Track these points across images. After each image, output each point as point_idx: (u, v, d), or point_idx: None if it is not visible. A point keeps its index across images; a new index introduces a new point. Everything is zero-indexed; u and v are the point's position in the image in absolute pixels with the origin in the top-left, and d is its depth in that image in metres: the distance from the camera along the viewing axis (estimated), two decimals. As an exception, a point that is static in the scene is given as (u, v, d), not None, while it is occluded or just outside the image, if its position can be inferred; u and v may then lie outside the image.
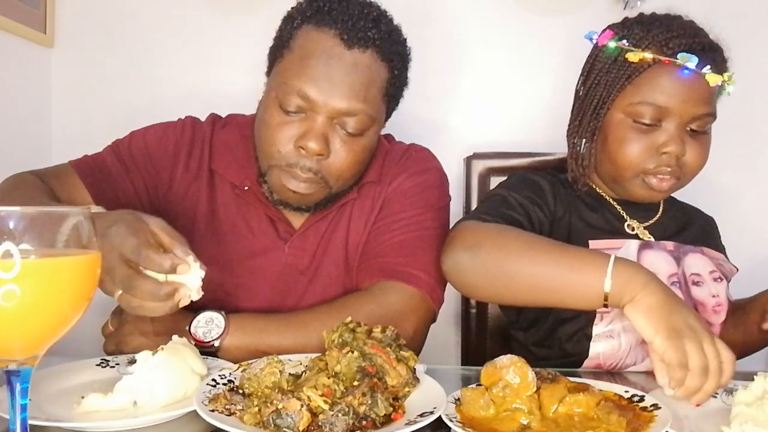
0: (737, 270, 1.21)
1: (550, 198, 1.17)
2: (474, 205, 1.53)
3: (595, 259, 0.92)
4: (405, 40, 1.12)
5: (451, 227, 1.10)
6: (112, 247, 0.81)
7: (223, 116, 1.25)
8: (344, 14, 1.03)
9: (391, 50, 1.07)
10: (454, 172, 1.52)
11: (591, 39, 1.14)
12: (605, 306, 0.91)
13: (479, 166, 1.54)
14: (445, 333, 1.65)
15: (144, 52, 1.71)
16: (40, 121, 1.69)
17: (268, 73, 1.13)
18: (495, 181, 1.52)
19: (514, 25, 1.69)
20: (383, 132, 1.27)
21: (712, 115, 1.08)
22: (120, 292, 0.81)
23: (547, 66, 1.68)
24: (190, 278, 0.84)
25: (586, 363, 1.09)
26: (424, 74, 1.67)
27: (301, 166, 1.04)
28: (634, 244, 1.12)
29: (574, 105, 1.20)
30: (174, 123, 1.22)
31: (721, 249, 1.24)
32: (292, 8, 1.11)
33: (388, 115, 1.16)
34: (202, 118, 1.24)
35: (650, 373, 1.05)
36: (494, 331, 1.52)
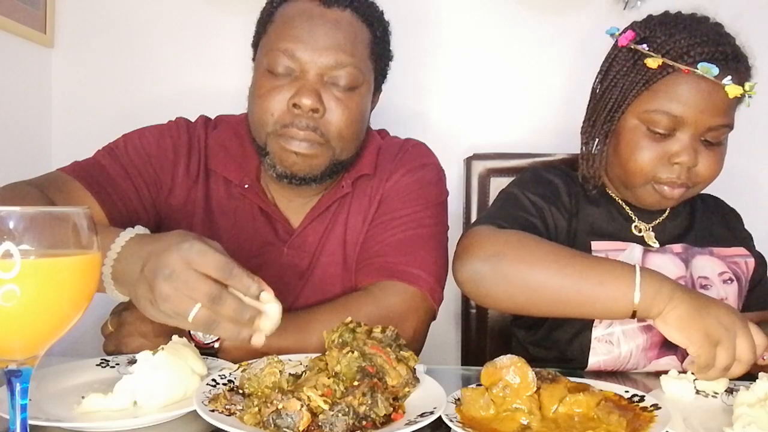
0: (761, 260, 1.19)
1: (565, 196, 1.15)
2: (474, 206, 1.53)
3: (622, 272, 0.92)
4: (382, 12, 1.15)
5: (464, 232, 1.07)
6: (189, 264, 0.74)
7: (212, 117, 1.25)
8: None
9: (369, 13, 1.11)
10: (454, 173, 1.52)
11: (612, 35, 1.12)
12: (632, 317, 0.92)
13: (479, 167, 1.54)
14: (445, 333, 1.65)
15: (144, 52, 1.71)
16: (40, 121, 1.69)
17: (254, 57, 1.15)
18: (495, 182, 1.52)
19: (514, 24, 1.69)
20: (378, 128, 1.27)
21: (729, 126, 1.06)
22: (198, 306, 0.73)
23: (546, 66, 1.68)
24: (272, 309, 0.78)
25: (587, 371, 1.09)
26: (423, 74, 1.68)
27: (297, 125, 1.05)
28: (638, 248, 1.10)
29: (589, 103, 1.17)
30: (168, 125, 1.20)
31: (741, 241, 1.21)
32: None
33: (377, 86, 1.17)
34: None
35: (651, 374, 1.05)
36: (494, 331, 1.52)
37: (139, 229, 0.87)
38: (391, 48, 1.19)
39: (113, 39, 1.71)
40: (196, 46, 1.70)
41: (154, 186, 1.14)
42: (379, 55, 1.14)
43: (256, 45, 1.16)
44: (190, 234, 0.79)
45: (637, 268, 0.91)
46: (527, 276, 0.95)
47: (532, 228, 1.07)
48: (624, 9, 1.62)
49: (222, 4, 1.69)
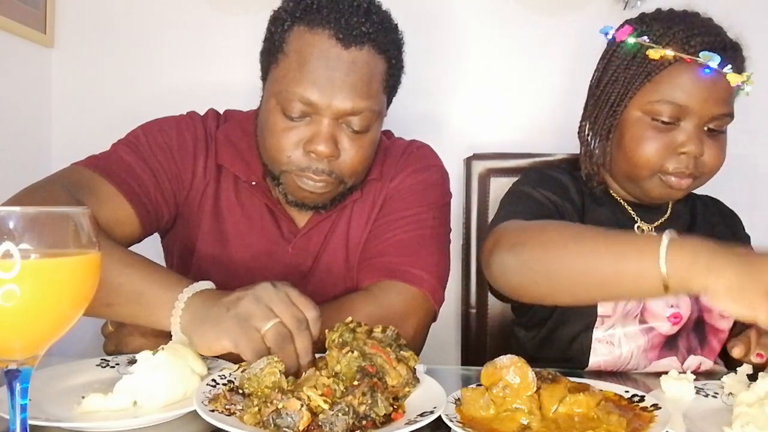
0: None
1: (574, 193, 1.15)
2: (474, 206, 1.53)
3: (647, 243, 0.84)
4: (396, 25, 1.10)
5: (491, 231, 1.05)
6: (283, 296, 0.84)
7: (220, 113, 1.23)
8: (336, 11, 1.01)
9: (386, 41, 1.05)
10: (454, 173, 1.52)
11: (606, 34, 1.12)
12: (667, 293, 0.83)
13: (479, 166, 1.54)
14: (445, 333, 1.65)
15: (144, 51, 1.71)
16: (40, 121, 1.69)
17: (264, 77, 1.11)
18: (495, 182, 1.52)
19: (514, 24, 1.69)
20: (384, 128, 1.26)
21: (730, 115, 1.06)
22: (275, 321, 0.82)
23: (547, 65, 1.69)
24: None
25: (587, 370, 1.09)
26: (424, 74, 1.68)
27: (313, 170, 1.04)
28: None
29: (587, 102, 1.17)
30: (183, 118, 1.18)
31: (742, 243, 1.21)
32: (278, 8, 1.08)
33: (389, 104, 1.15)
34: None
35: (651, 374, 1.05)
36: (494, 331, 1.51)
37: (208, 284, 0.90)
38: (403, 59, 1.13)
39: (113, 39, 1.71)
40: (195, 46, 1.71)
41: (176, 181, 1.13)
42: (393, 84, 1.11)
43: (265, 67, 1.10)
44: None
45: (665, 239, 0.82)
46: (547, 260, 0.92)
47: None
48: (624, 9, 1.62)
49: (221, 3, 1.69)
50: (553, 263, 0.91)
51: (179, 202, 1.14)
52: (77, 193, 0.98)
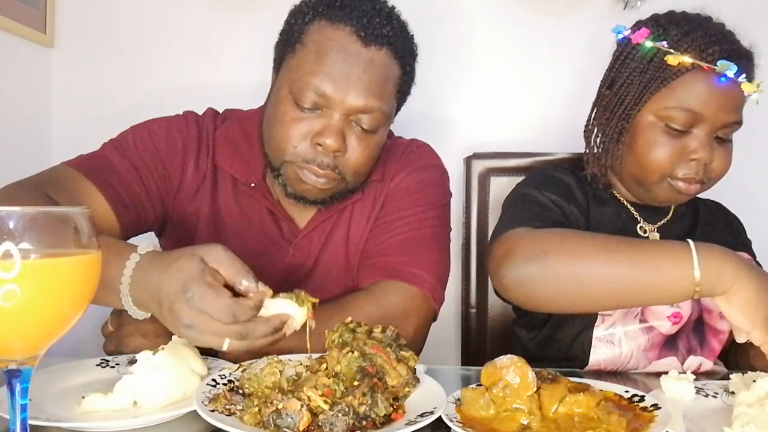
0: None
1: (579, 194, 1.15)
2: (474, 206, 1.53)
3: (678, 252, 0.89)
4: (413, 36, 1.12)
5: (499, 238, 1.03)
6: (200, 312, 0.76)
7: (220, 112, 1.23)
8: (358, 10, 1.03)
9: (403, 47, 1.07)
10: (454, 172, 1.52)
11: (619, 34, 1.11)
12: (695, 297, 0.90)
13: (479, 166, 1.54)
14: (445, 333, 1.65)
15: (144, 51, 1.71)
16: (40, 121, 1.69)
17: (277, 67, 1.11)
18: (495, 182, 1.52)
19: (514, 24, 1.69)
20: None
21: (740, 123, 1.07)
22: (227, 342, 0.78)
23: (547, 65, 1.69)
24: (285, 307, 0.82)
25: (587, 369, 1.09)
26: (425, 74, 1.66)
27: (318, 163, 1.04)
28: None
29: (597, 103, 1.16)
30: (176, 119, 1.18)
31: (744, 247, 1.21)
32: (300, 2, 1.09)
33: (398, 111, 1.16)
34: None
35: (651, 374, 1.05)
36: (494, 331, 1.52)
37: (143, 249, 0.85)
38: (415, 70, 1.14)
39: (113, 39, 1.71)
40: (195, 46, 1.71)
41: (163, 182, 1.13)
42: (404, 91, 1.12)
43: (280, 57, 1.10)
44: (184, 264, 0.79)
45: (693, 248, 0.88)
46: (577, 270, 0.93)
47: (561, 226, 1.06)
48: (624, 9, 1.62)
49: (222, 3, 1.69)
50: (584, 273, 0.93)
51: (167, 202, 1.14)
52: (53, 192, 0.98)
